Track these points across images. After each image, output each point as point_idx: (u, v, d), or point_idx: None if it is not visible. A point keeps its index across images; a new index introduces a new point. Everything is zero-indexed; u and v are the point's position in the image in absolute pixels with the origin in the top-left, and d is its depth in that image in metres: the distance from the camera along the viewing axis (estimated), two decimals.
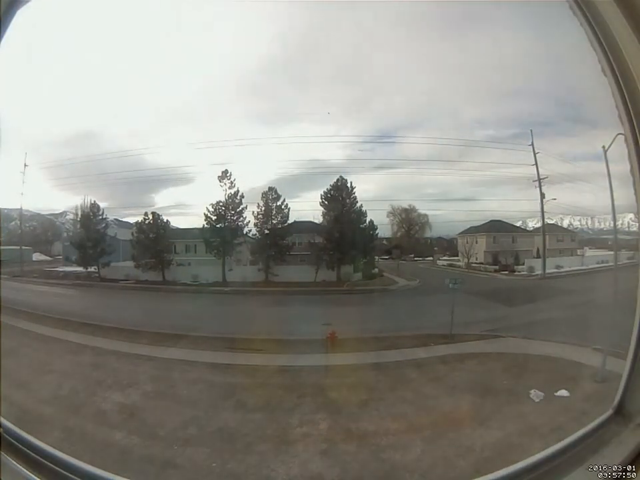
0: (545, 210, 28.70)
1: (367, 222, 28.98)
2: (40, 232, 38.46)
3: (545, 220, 30.39)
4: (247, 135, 36.54)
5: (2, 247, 29.14)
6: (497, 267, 31.14)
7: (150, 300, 25.55)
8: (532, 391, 10.82)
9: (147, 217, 28.87)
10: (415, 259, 38.51)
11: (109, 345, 15.58)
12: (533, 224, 34.73)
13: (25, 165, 28.39)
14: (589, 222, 37.39)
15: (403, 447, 8.67)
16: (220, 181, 28.35)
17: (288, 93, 36.04)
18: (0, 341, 12.63)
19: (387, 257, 36.10)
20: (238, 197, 28.64)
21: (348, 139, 33.91)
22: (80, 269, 29.99)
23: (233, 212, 28.72)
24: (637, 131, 1.88)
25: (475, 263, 32.56)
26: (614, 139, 11.64)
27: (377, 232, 30.38)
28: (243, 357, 14.51)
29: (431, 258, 38.81)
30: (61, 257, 34.37)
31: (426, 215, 35.48)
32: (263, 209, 28.54)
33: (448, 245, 39.62)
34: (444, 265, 36.28)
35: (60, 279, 30.30)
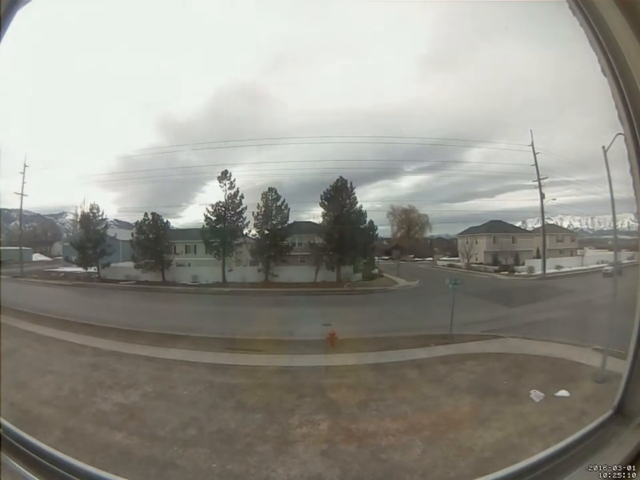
0: (544, 210, 28.75)
1: (367, 222, 29.03)
2: (40, 232, 38.46)
3: (545, 220, 30.42)
4: (247, 135, 36.61)
5: (2, 248, 29.14)
6: (496, 268, 31.13)
7: (150, 300, 25.53)
8: (532, 392, 10.81)
9: (146, 218, 28.88)
10: (415, 259, 38.52)
11: (108, 345, 15.57)
12: (532, 224, 34.76)
13: (25, 165, 28.44)
14: (589, 222, 37.43)
15: (403, 447, 8.66)
16: (220, 182, 28.42)
17: (287, 93, 36.12)
18: (0, 341, 12.64)
19: (386, 258, 36.09)
20: (238, 198, 28.67)
21: (348, 139, 33.93)
22: (80, 269, 30.00)
23: (232, 212, 28.72)
24: (636, 131, 1.88)
25: (475, 264, 32.55)
26: (614, 138, 11.66)
27: (376, 232, 30.43)
28: (243, 357, 14.50)
29: (430, 258, 38.81)
30: (60, 258, 34.36)
31: (426, 215, 35.53)
32: (263, 209, 28.55)
33: (448, 246, 39.62)
34: (444, 266, 36.27)
35: (60, 280, 30.30)
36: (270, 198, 28.53)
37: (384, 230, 34.40)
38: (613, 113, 1.96)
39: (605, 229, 35.32)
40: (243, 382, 12.36)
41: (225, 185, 28.39)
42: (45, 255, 37.68)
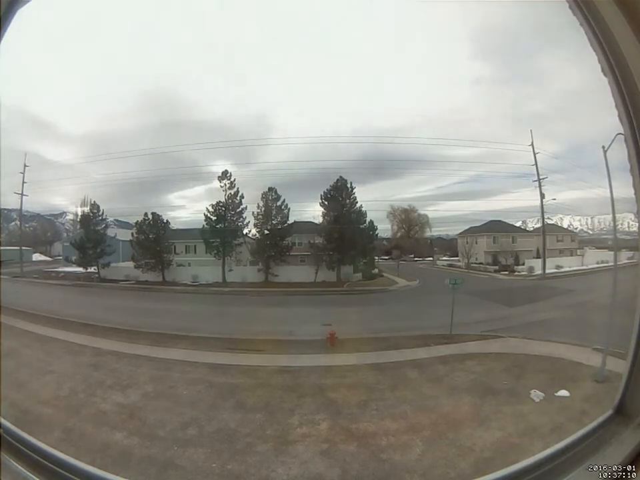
0: (544, 210, 28.76)
1: (367, 222, 29.04)
2: (40, 232, 38.45)
3: (545, 220, 30.43)
4: (246, 135, 36.63)
5: (2, 248, 29.14)
6: (496, 267, 31.14)
7: (150, 300, 25.51)
8: (532, 391, 10.82)
9: (147, 218, 28.87)
10: (415, 259, 38.54)
11: (108, 345, 15.56)
12: (532, 224, 34.79)
13: (25, 165, 28.45)
14: (589, 222, 37.46)
15: (403, 447, 8.66)
16: (220, 181, 28.42)
17: (286, 93, 36.12)
18: (0, 341, 12.64)
19: (386, 258, 36.10)
20: (238, 198, 28.66)
21: (348, 139, 33.99)
22: (80, 269, 30.00)
23: (232, 212, 28.72)
24: (636, 131, 1.88)
25: (475, 263, 32.56)
26: (614, 138, 11.67)
27: (376, 232, 30.44)
28: (243, 357, 14.50)
29: (430, 258, 38.83)
30: (60, 258, 34.37)
31: (426, 215, 35.57)
32: (263, 209, 28.56)
33: (448, 245, 39.65)
34: (444, 265, 36.29)
35: (60, 280, 30.29)
36: (270, 198, 28.53)
37: (384, 230, 34.45)
38: (613, 112, 1.96)
39: (604, 229, 35.35)
40: (243, 382, 12.36)
41: (225, 184, 28.41)
42: (45, 255, 37.68)
